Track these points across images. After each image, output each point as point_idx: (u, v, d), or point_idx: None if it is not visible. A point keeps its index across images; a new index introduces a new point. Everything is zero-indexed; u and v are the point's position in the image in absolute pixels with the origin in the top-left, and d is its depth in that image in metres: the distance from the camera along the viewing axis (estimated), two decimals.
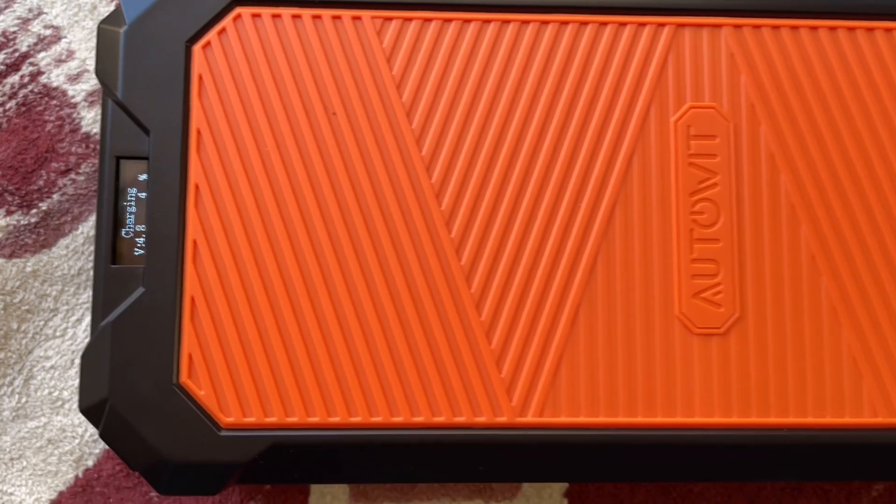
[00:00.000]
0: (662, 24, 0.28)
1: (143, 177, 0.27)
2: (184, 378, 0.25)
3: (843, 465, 0.26)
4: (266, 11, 0.27)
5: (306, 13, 0.27)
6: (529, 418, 0.26)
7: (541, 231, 0.27)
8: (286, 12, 0.27)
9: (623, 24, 0.28)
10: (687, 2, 0.28)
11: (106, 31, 0.27)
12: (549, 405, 0.26)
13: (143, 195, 0.27)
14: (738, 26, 0.28)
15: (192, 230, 0.26)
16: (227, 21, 0.27)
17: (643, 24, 0.28)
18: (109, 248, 0.27)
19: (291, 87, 0.27)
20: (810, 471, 0.26)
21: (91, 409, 0.26)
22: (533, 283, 0.26)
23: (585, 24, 0.28)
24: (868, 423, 0.26)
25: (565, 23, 0.28)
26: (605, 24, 0.28)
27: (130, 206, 0.27)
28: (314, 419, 0.25)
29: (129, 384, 0.25)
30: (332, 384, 0.26)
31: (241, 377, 0.26)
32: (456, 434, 0.26)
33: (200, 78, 0.27)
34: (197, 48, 0.27)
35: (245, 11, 0.27)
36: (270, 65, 0.27)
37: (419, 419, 0.26)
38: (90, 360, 0.26)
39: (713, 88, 0.27)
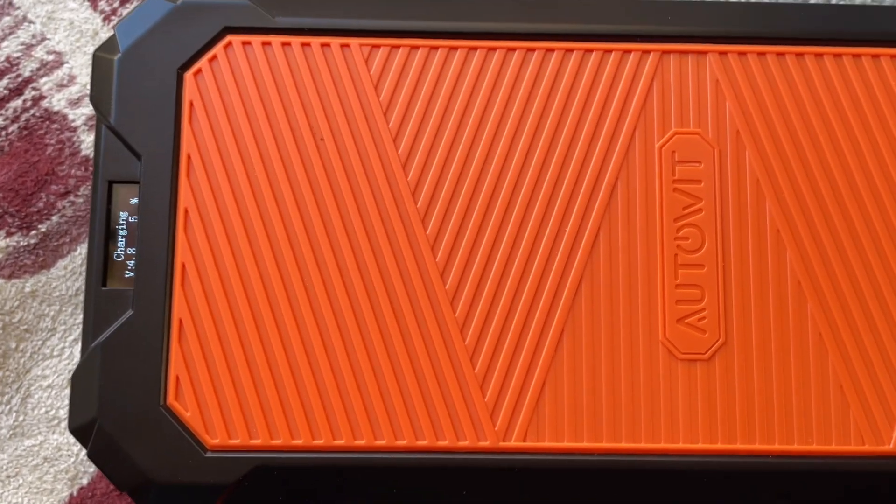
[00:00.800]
0: (647, 51, 0.28)
1: (135, 201, 0.27)
2: (171, 399, 0.26)
3: (830, 494, 0.26)
4: (256, 39, 0.28)
5: (295, 41, 0.28)
6: (513, 443, 0.26)
7: (525, 255, 0.27)
8: (276, 40, 0.28)
9: (608, 51, 0.28)
10: (672, 29, 0.28)
11: (100, 59, 0.28)
12: (533, 430, 0.26)
13: (134, 219, 0.27)
14: (723, 53, 0.28)
15: (181, 253, 0.27)
16: (217, 49, 0.28)
17: (628, 51, 0.28)
18: (100, 270, 0.27)
19: (280, 114, 0.27)
20: (796, 499, 0.26)
21: (80, 429, 0.26)
22: (517, 307, 0.27)
23: (571, 50, 0.28)
24: (855, 451, 0.26)
25: (551, 50, 0.28)
26: (590, 50, 0.28)
27: (122, 229, 0.28)
28: (298, 442, 0.26)
29: (118, 405, 0.26)
30: (317, 407, 0.26)
31: (227, 399, 0.26)
32: (439, 458, 0.26)
33: (191, 104, 0.27)
34: (188, 75, 0.27)
35: (236, 39, 0.28)
36: (260, 91, 0.27)
37: (402, 443, 0.26)
38: (80, 381, 0.26)
39: (698, 114, 0.28)
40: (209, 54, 0.27)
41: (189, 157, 0.27)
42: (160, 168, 0.27)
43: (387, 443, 0.26)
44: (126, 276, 0.27)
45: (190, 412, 0.26)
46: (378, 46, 0.28)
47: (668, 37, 0.28)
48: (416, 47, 0.28)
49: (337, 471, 0.26)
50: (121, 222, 0.28)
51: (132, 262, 0.27)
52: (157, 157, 0.27)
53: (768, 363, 0.26)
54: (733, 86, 0.28)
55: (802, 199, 0.27)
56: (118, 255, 0.27)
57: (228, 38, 0.28)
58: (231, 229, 0.27)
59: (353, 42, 0.28)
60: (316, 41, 0.28)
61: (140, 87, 0.27)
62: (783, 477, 0.26)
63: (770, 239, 0.27)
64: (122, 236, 0.27)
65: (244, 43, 0.28)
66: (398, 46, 0.28)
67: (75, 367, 0.30)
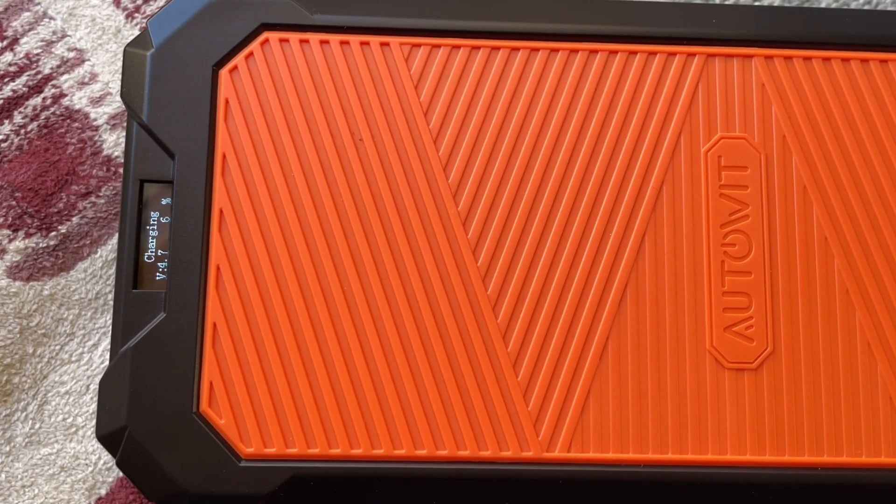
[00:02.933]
0: (693, 54, 0.27)
1: (167, 201, 0.27)
2: (204, 406, 0.25)
3: None
4: (294, 36, 0.27)
5: (334, 39, 0.27)
6: (557, 453, 0.25)
7: (569, 260, 0.26)
8: (314, 37, 0.27)
9: (653, 54, 0.27)
10: (717, 32, 0.27)
11: (132, 54, 0.27)
12: (577, 440, 0.25)
13: (165, 219, 0.27)
14: (769, 57, 0.27)
15: (216, 255, 0.26)
16: (254, 45, 0.27)
17: (673, 54, 0.27)
18: (131, 272, 0.26)
19: (318, 113, 0.27)
20: None
21: (108, 437, 0.25)
22: (561, 313, 0.26)
23: (615, 52, 0.27)
24: None
25: (594, 51, 0.27)
26: (634, 52, 0.27)
27: (153, 230, 0.27)
28: (336, 451, 0.25)
29: (148, 412, 0.25)
30: (356, 415, 0.25)
31: (263, 406, 0.25)
32: (481, 468, 0.25)
33: (227, 102, 0.26)
34: (224, 72, 0.27)
35: (273, 36, 0.27)
36: (297, 90, 0.27)
37: (443, 452, 0.25)
38: (109, 387, 0.25)
39: (744, 119, 0.27)
40: (245, 51, 0.27)
41: (224, 156, 0.26)
42: (194, 167, 0.26)
43: (427, 452, 0.25)
44: (157, 278, 0.26)
45: (224, 420, 0.25)
46: (418, 45, 0.27)
47: (713, 40, 0.27)
48: (458, 47, 0.27)
49: (376, 481, 0.25)
50: (152, 223, 0.27)
51: (163, 263, 0.26)
52: (191, 155, 0.26)
53: (817, 373, 0.26)
54: (779, 90, 0.27)
55: (850, 206, 0.27)
56: (149, 257, 0.26)
57: (265, 34, 0.27)
58: (267, 230, 0.26)
59: (393, 41, 0.27)
60: (355, 39, 0.27)
61: (174, 83, 0.26)
62: (832, 490, 0.25)
63: (817, 246, 0.26)
64: (153, 237, 0.27)
65: (281, 40, 0.27)
66: (439, 46, 0.27)
67: (99, 371, 0.29)
